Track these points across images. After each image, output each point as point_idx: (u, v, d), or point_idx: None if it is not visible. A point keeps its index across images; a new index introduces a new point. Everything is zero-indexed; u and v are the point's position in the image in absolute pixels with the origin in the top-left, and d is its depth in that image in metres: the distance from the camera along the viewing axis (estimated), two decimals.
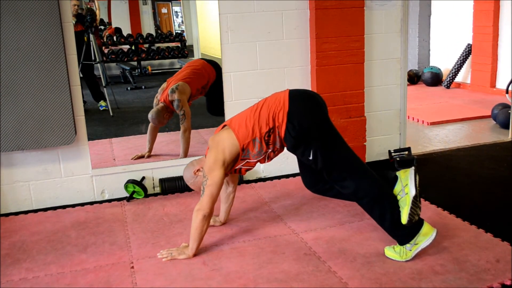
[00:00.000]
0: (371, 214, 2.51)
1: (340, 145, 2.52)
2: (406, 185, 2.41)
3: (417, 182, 2.42)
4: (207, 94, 3.93)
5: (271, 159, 2.66)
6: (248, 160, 2.59)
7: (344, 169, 2.48)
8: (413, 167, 2.47)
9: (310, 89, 3.76)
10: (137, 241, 2.76)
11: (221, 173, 2.47)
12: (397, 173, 2.50)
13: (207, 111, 4.08)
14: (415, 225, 2.39)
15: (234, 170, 2.66)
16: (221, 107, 3.68)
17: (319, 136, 2.47)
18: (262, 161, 2.63)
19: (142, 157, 3.77)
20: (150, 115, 3.79)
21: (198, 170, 2.64)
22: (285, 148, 2.62)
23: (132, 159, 3.74)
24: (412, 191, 2.37)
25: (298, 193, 3.41)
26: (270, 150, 2.58)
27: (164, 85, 3.83)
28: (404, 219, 2.34)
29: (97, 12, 4.25)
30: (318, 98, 2.61)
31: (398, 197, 2.43)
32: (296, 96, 2.53)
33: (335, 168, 2.48)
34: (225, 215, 2.92)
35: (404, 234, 2.40)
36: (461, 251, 2.48)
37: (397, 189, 2.45)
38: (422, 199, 3.04)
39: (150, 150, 3.82)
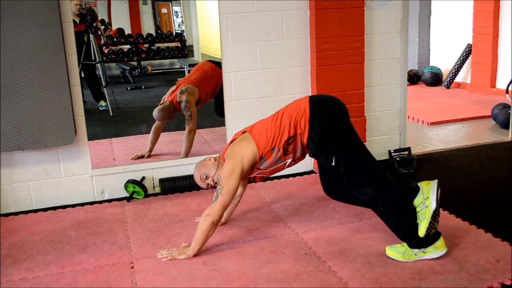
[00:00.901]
0: (387, 223, 2.48)
1: (362, 152, 2.49)
2: (427, 198, 2.36)
3: (439, 196, 2.37)
4: (216, 96, 3.93)
5: (291, 166, 2.65)
6: (263, 170, 2.59)
7: (365, 176, 2.44)
8: (436, 180, 2.42)
9: (310, 89, 3.76)
10: (137, 241, 2.76)
11: (237, 183, 2.48)
12: (419, 184, 2.46)
13: (214, 112, 4.08)
14: (431, 237, 2.37)
15: (248, 178, 2.67)
16: None
17: (341, 142, 2.45)
18: (281, 168, 2.61)
19: (142, 157, 3.77)
20: (155, 113, 3.80)
21: (209, 159, 2.68)
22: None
23: (132, 159, 3.74)
24: (433, 205, 2.32)
25: (298, 193, 3.41)
26: (290, 159, 2.57)
27: (173, 87, 3.85)
28: (422, 232, 2.31)
29: (99, 26, 4.28)
30: (340, 104, 2.57)
31: (418, 209, 2.38)
32: (317, 102, 2.50)
33: (356, 174, 2.45)
34: (227, 216, 2.91)
35: (418, 243, 2.38)
36: (461, 251, 2.48)
37: (418, 200, 2.40)
38: None
39: (151, 150, 3.82)
